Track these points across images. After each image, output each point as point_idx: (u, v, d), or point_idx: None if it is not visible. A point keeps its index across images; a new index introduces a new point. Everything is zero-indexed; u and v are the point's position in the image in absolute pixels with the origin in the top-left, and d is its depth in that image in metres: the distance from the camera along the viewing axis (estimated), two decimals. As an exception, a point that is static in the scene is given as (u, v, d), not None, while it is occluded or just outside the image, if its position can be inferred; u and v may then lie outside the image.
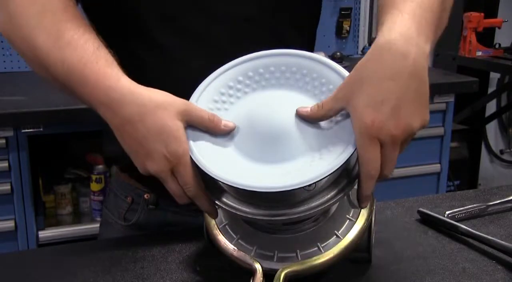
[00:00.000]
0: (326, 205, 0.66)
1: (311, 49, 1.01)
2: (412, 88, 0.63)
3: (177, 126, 0.68)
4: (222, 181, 0.66)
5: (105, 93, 0.70)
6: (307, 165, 0.66)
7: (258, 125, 0.70)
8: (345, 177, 0.68)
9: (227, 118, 0.71)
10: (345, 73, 0.69)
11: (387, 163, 0.65)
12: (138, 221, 1.01)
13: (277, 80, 0.74)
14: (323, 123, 0.68)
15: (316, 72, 0.72)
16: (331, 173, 0.63)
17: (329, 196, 0.66)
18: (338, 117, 0.68)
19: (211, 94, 0.73)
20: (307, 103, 0.70)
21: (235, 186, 0.65)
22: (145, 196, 0.99)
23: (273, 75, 0.74)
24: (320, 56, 0.73)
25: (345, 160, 0.64)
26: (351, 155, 0.64)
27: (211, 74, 0.74)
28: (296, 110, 0.68)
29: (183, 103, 0.70)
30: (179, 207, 0.95)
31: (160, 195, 0.98)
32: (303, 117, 0.68)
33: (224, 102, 0.73)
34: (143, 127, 0.67)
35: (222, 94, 0.73)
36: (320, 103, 0.67)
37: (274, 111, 0.71)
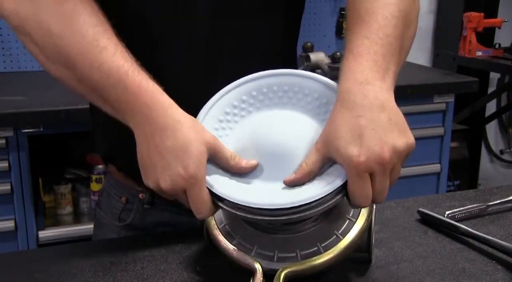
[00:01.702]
0: (326, 205, 0.66)
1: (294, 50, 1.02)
2: (384, 119, 0.64)
3: (203, 152, 0.68)
4: (224, 197, 0.67)
5: (146, 103, 0.70)
6: (309, 183, 0.68)
7: (262, 145, 0.71)
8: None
9: (231, 137, 0.73)
10: None
11: (379, 192, 0.65)
12: (133, 221, 1.01)
13: (280, 99, 0.75)
14: None
15: (318, 93, 0.74)
16: (332, 192, 0.65)
17: (329, 196, 0.66)
18: None
19: (217, 114, 0.75)
20: (309, 122, 0.72)
21: (234, 201, 0.67)
22: (140, 195, 0.99)
23: (276, 94, 0.76)
24: (323, 77, 0.75)
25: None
26: None
27: (216, 94, 0.76)
28: (284, 181, 0.68)
29: (212, 137, 0.70)
30: (174, 207, 0.96)
31: (155, 194, 0.98)
32: (292, 183, 0.68)
33: (228, 121, 0.74)
34: (172, 141, 0.67)
35: (227, 114, 0.75)
36: (304, 162, 0.68)
37: (277, 131, 0.73)
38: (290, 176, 0.68)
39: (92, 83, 0.73)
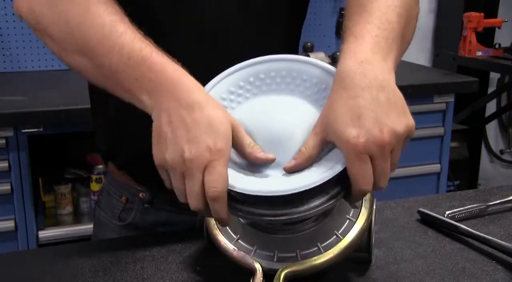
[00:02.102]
0: (326, 205, 0.66)
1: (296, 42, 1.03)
2: (383, 99, 0.63)
3: (229, 130, 0.67)
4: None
5: (172, 81, 0.68)
6: (308, 169, 0.66)
7: (259, 131, 0.70)
8: (347, 176, 0.68)
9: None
10: None
11: (380, 175, 0.64)
12: (133, 221, 1.01)
13: (277, 85, 0.74)
14: None
15: (317, 78, 0.72)
16: (332, 177, 0.64)
17: (329, 195, 0.66)
18: None
19: (221, 92, 0.74)
20: (307, 108, 0.71)
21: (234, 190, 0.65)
22: (140, 195, 0.99)
23: (274, 80, 0.74)
24: (322, 63, 0.73)
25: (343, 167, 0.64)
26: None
27: (211, 81, 0.74)
28: (284, 168, 0.68)
29: (236, 120, 0.69)
30: (174, 206, 0.95)
31: (155, 193, 0.98)
32: (292, 169, 0.67)
33: (226, 107, 0.73)
34: (200, 116, 0.66)
35: (224, 99, 0.74)
36: (303, 147, 0.67)
37: (275, 117, 0.72)
38: (290, 162, 0.67)
39: (110, 68, 0.72)
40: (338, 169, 0.64)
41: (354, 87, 0.64)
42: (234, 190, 0.65)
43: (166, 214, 0.99)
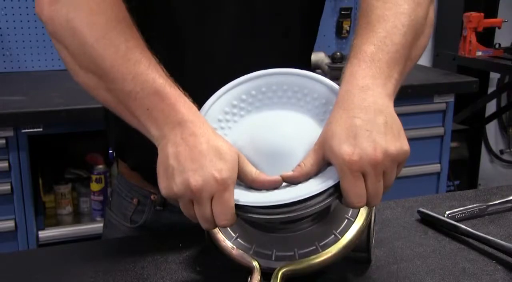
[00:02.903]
0: (323, 203, 0.66)
1: (312, 46, 1.04)
2: (380, 121, 0.65)
3: (236, 160, 0.68)
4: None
5: (182, 114, 0.70)
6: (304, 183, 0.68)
7: (260, 145, 0.71)
8: None
9: (230, 136, 0.73)
10: None
11: (373, 195, 0.65)
12: (145, 223, 1.00)
13: (279, 99, 0.75)
14: None
15: (317, 93, 0.74)
16: (324, 191, 0.65)
17: (326, 194, 0.66)
18: None
19: (216, 113, 0.75)
20: (307, 121, 0.73)
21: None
22: (152, 197, 0.99)
23: (275, 94, 0.76)
24: (323, 78, 0.75)
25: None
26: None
27: (215, 93, 0.75)
28: (281, 175, 0.69)
29: (239, 152, 0.70)
30: None
31: None
32: (288, 179, 0.68)
33: (228, 121, 0.74)
34: (207, 146, 0.67)
35: (226, 113, 0.75)
36: (302, 163, 0.68)
37: (276, 131, 0.73)
38: (288, 172, 0.68)
39: (122, 94, 0.73)
40: (329, 183, 0.65)
41: (353, 109, 0.66)
42: (239, 203, 0.66)
43: (178, 216, 0.99)
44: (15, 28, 2.35)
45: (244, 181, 0.70)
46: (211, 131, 0.70)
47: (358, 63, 0.70)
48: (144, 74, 0.71)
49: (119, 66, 0.72)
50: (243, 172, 0.69)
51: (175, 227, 0.99)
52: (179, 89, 0.73)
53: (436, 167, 2.45)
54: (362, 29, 0.74)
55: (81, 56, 0.75)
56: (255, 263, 0.71)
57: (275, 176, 0.69)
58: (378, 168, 0.64)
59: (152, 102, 0.71)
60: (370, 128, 0.64)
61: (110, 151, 1.06)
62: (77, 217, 2.20)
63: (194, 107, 0.72)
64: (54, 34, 0.78)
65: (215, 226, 0.68)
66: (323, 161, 0.67)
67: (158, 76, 0.72)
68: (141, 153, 0.98)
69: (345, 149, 0.64)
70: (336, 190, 0.66)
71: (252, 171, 0.69)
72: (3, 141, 1.84)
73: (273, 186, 0.69)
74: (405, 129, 0.67)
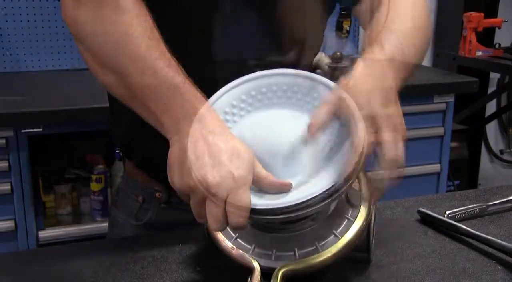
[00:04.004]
0: (323, 203, 0.66)
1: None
2: (392, 100, 0.72)
3: (252, 159, 0.68)
4: None
5: (201, 111, 0.71)
6: (305, 182, 0.68)
7: (261, 145, 0.71)
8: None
9: None
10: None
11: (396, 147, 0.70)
12: (150, 221, 1.01)
13: (279, 99, 0.75)
14: (321, 143, 0.70)
15: (317, 93, 0.74)
16: (328, 190, 0.66)
17: (326, 194, 0.66)
18: (335, 138, 0.70)
19: (216, 113, 0.74)
20: (308, 122, 0.72)
21: None
22: (156, 194, 1.00)
23: (275, 94, 0.76)
24: (322, 78, 0.75)
25: (335, 182, 0.66)
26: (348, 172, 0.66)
27: (216, 93, 0.75)
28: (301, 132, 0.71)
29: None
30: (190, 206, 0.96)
31: (173, 193, 0.98)
32: (309, 130, 0.70)
33: (227, 121, 0.74)
34: (226, 144, 0.68)
35: (226, 113, 0.75)
36: (316, 113, 0.71)
37: (276, 131, 0.73)
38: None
39: (141, 89, 0.74)
40: (330, 183, 0.66)
41: (374, 80, 0.73)
42: None
43: (183, 214, 0.99)
44: (15, 28, 2.35)
45: (254, 182, 0.69)
46: (228, 132, 0.70)
47: (371, 52, 0.77)
48: (164, 71, 0.72)
49: (139, 62, 0.73)
50: (255, 172, 0.69)
51: (180, 224, 0.99)
52: (197, 89, 0.73)
53: (436, 167, 2.45)
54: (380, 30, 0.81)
55: (103, 54, 0.76)
56: (255, 263, 0.71)
57: (286, 180, 0.69)
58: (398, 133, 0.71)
59: (171, 96, 0.72)
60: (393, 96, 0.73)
61: (117, 151, 1.07)
62: (77, 217, 2.20)
63: (211, 108, 0.72)
64: (76, 34, 0.79)
65: (225, 227, 0.67)
66: (334, 109, 0.71)
67: (178, 74, 0.73)
68: (147, 151, 0.99)
69: (387, 110, 0.70)
70: (336, 190, 0.66)
71: (262, 172, 0.69)
72: (3, 141, 1.84)
73: (281, 189, 0.68)
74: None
